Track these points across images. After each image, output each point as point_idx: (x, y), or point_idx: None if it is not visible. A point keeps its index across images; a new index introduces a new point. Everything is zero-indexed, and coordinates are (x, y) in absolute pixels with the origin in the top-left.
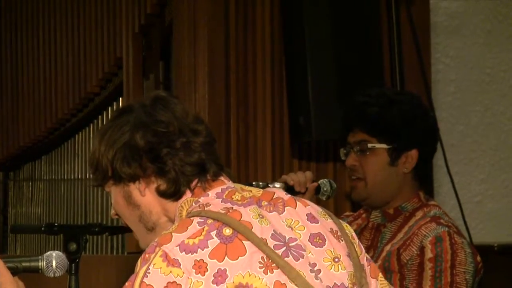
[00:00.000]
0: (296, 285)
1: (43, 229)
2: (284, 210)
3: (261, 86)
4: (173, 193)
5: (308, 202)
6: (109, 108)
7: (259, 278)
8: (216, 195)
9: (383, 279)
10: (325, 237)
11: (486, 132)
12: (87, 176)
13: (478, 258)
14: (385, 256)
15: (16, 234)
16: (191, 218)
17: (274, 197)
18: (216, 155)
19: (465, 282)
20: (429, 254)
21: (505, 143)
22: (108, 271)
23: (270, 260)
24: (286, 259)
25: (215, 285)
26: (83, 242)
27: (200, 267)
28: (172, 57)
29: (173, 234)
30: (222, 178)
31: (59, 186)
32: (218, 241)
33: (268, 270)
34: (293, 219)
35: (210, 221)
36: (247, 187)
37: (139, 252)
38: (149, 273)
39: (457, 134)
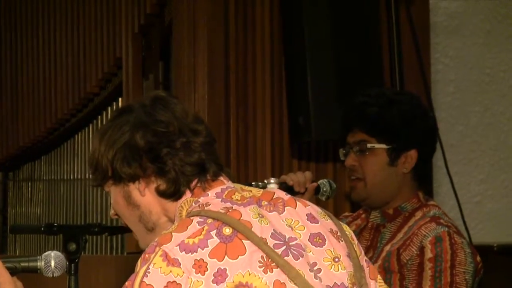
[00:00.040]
0: (295, 284)
1: (42, 229)
2: (284, 210)
3: (261, 86)
4: (173, 193)
5: (308, 202)
6: (109, 108)
7: (259, 277)
8: (216, 195)
9: (381, 280)
10: (325, 237)
11: (486, 132)
12: (87, 176)
13: (478, 258)
14: (385, 256)
15: (15, 234)
16: (191, 218)
17: (274, 197)
18: (216, 155)
19: (465, 282)
20: (429, 254)
21: (504, 143)
22: (108, 271)
23: (269, 259)
24: (285, 258)
25: (215, 284)
26: (82, 242)
27: (200, 266)
28: (171, 57)
29: (173, 233)
30: (221, 178)
31: (58, 186)
32: (218, 240)
33: (268, 269)
34: (293, 219)
35: (210, 220)
36: (246, 187)
37: (138, 252)
38: (149, 272)
39: (456, 134)
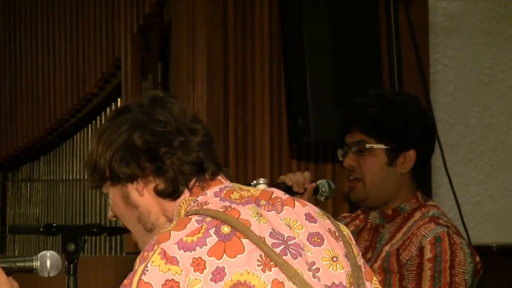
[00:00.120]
0: (294, 283)
1: (41, 229)
2: (283, 210)
3: (260, 86)
4: (171, 193)
5: (306, 202)
6: (108, 108)
7: (258, 276)
8: (214, 194)
9: (377, 282)
10: (323, 237)
11: (485, 132)
12: (86, 177)
13: (477, 259)
14: (384, 257)
15: (14, 235)
16: (190, 217)
17: (272, 196)
18: (214, 154)
19: (464, 282)
20: (428, 254)
21: (504, 144)
22: (107, 271)
23: (268, 258)
24: (284, 257)
25: (213, 283)
26: (81, 243)
27: (198, 264)
28: (170, 58)
29: (171, 232)
30: (220, 177)
31: (57, 186)
32: (217, 239)
33: (267, 268)
34: (292, 219)
35: (208, 219)
36: (245, 187)
37: (137, 252)
38: (148, 270)
39: (455, 135)
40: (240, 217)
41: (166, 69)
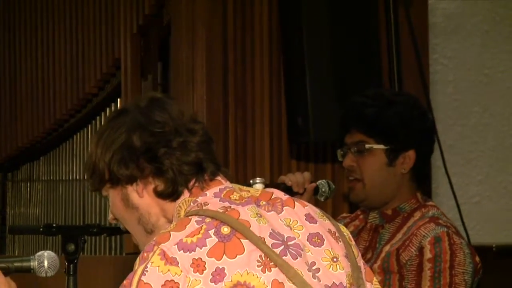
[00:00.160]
0: (294, 283)
1: (41, 230)
2: (283, 210)
3: (259, 86)
4: (171, 193)
5: (306, 203)
6: (107, 109)
7: (257, 277)
8: (214, 195)
9: (377, 283)
10: (323, 237)
11: (484, 133)
12: (86, 178)
13: (477, 259)
14: (384, 257)
15: (14, 235)
16: (189, 217)
17: (272, 197)
18: (214, 155)
19: (464, 282)
20: (428, 254)
21: (503, 144)
22: (106, 271)
23: (268, 259)
24: (284, 257)
25: (213, 283)
26: (81, 243)
27: (198, 265)
28: (170, 58)
29: (171, 232)
30: (219, 178)
31: (57, 187)
32: (216, 239)
33: (266, 269)
34: (292, 219)
35: (208, 219)
36: (245, 187)
37: (137, 252)
38: (147, 271)
39: (455, 135)
40: (239, 217)
41: (165, 69)
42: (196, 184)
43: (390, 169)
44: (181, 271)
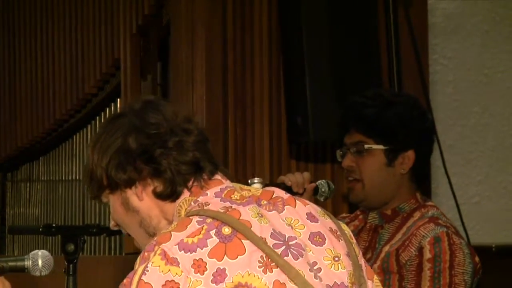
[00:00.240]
0: (295, 284)
1: (41, 230)
2: (284, 209)
3: (259, 86)
4: (170, 194)
5: (308, 201)
6: (107, 109)
7: (259, 278)
8: (215, 195)
9: (378, 281)
10: (325, 236)
11: (484, 133)
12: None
13: (477, 259)
14: (383, 257)
15: (14, 235)
16: (190, 217)
17: (273, 196)
18: (210, 154)
19: (464, 282)
20: (427, 254)
21: (503, 144)
22: (106, 272)
23: (269, 259)
24: (285, 258)
25: (214, 284)
26: (81, 243)
27: (199, 266)
28: (170, 58)
29: (172, 233)
30: (219, 177)
31: (57, 187)
32: (218, 240)
33: (268, 269)
34: (293, 218)
35: (209, 220)
36: (246, 187)
37: (137, 253)
38: (148, 271)
39: (455, 135)
40: (241, 217)
41: (165, 69)
42: (195, 184)
43: (389, 169)
44: (182, 271)
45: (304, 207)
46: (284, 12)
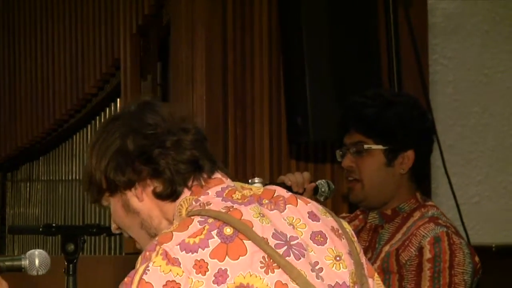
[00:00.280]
0: (297, 284)
1: (41, 230)
2: (285, 208)
3: (259, 86)
4: (170, 194)
5: (309, 200)
6: (107, 109)
7: (260, 278)
8: (216, 194)
9: (378, 279)
10: (326, 236)
11: (484, 133)
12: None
13: (477, 259)
14: (383, 257)
15: (14, 235)
16: (192, 217)
17: (275, 195)
18: (209, 152)
19: (464, 282)
20: (427, 254)
21: (503, 144)
22: (106, 271)
23: (271, 260)
24: (287, 258)
25: (215, 285)
26: (81, 243)
27: (200, 266)
28: (169, 58)
29: (173, 233)
30: (219, 175)
31: (57, 187)
32: (219, 240)
33: (269, 270)
34: (295, 217)
35: (210, 220)
36: (247, 186)
37: (137, 253)
38: (149, 270)
39: (455, 135)
40: (242, 217)
41: (165, 69)
42: (195, 183)
43: (389, 169)
44: (183, 271)
45: (305, 205)
46: (284, 12)
